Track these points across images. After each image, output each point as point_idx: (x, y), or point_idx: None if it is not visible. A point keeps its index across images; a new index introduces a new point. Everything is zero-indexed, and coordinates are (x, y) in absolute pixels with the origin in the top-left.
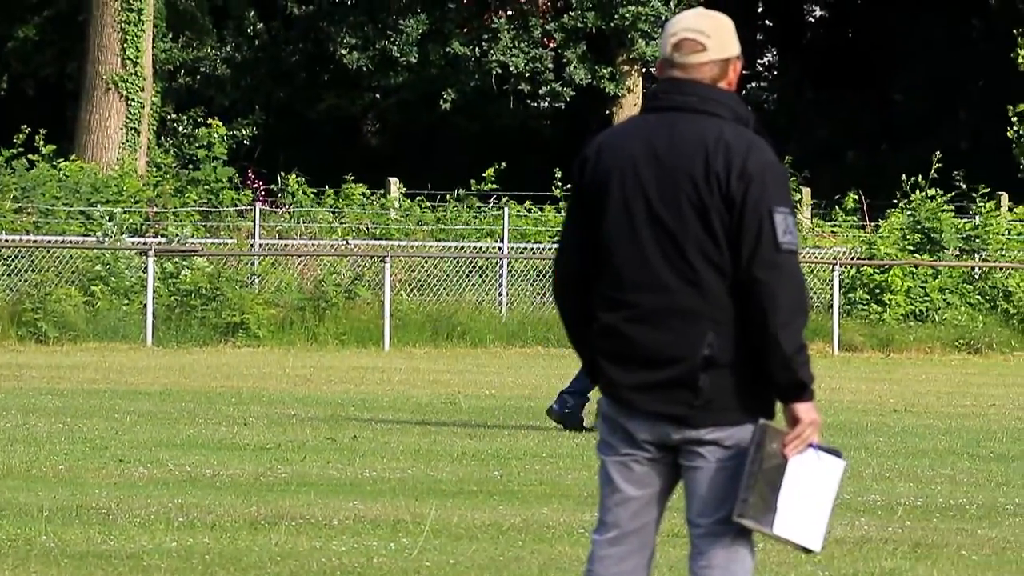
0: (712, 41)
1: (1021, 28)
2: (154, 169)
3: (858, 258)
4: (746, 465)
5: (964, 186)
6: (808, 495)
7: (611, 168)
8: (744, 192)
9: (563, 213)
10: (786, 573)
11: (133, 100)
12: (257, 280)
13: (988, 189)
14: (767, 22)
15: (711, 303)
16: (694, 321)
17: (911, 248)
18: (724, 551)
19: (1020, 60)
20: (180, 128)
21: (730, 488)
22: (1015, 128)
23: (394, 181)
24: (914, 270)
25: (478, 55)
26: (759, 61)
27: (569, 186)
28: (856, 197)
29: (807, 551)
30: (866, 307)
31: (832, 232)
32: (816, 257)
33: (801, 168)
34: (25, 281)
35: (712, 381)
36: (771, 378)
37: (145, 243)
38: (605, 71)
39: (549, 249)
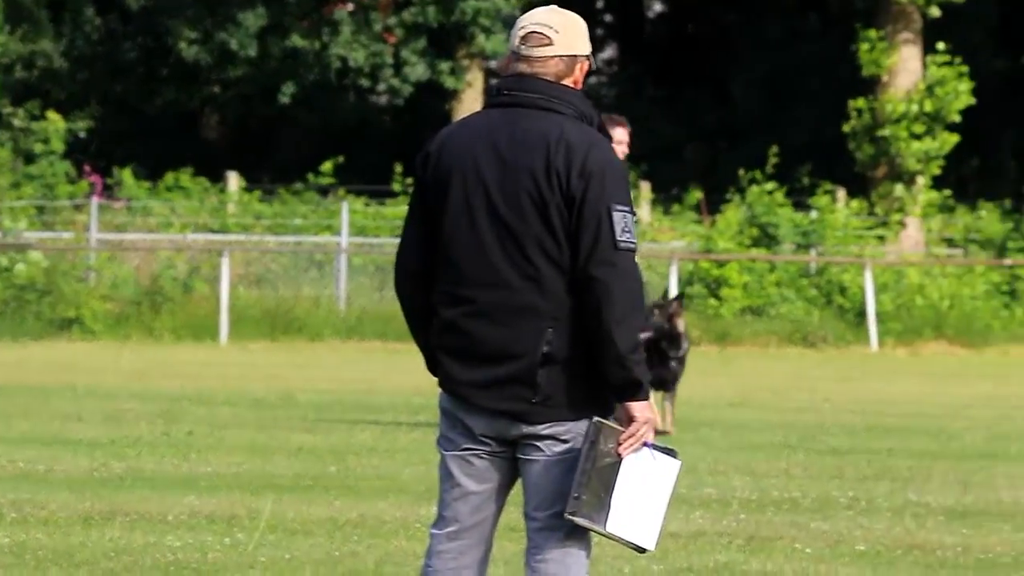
0: (560, 37)
1: (859, 23)
2: None
3: (696, 253)
4: (580, 463)
5: (802, 181)
6: (642, 494)
7: (453, 164)
8: (584, 190)
9: (403, 207)
10: (621, 567)
11: None
12: (93, 274)
13: (825, 184)
14: (607, 18)
15: (550, 300)
16: (534, 318)
17: (748, 243)
18: (560, 545)
19: (860, 55)
20: (16, 122)
21: (567, 482)
22: (852, 124)
23: (233, 175)
24: (751, 264)
25: (318, 49)
26: (600, 57)
27: (410, 181)
28: (695, 192)
29: (640, 550)
30: (703, 301)
31: (671, 227)
32: (655, 252)
33: (641, 163)
34: None
35: (551, 377)
36: (606, 376)
37: None
38: (445, 66)
39: (388, 244)
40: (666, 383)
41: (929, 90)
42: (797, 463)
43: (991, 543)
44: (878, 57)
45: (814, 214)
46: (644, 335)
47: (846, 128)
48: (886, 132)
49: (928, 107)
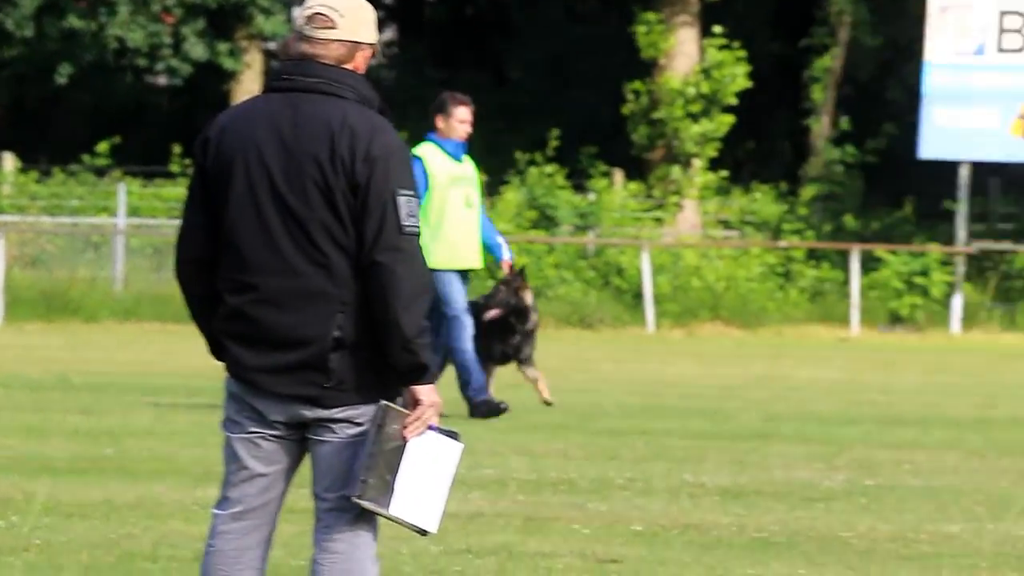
0: (344, 21)
1: (637, 6)
2: None
3: None
4: (366, 446)
5: (581, 163)
6: (426, 477)
7: (235, 151)
8: (369, 175)
9: (181, 189)
10: (398, 548)
11: None
12: None
13: (604, 166)
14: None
15: (339, 285)
16: (323, 303)
17: (527, 225)
18: (349, 526)
19: (638, 37)
20: None
21: (358, 464)
22: (630, 106)
23: (8, 155)
24: (530, 246)
25: (95, 29)
26: (380, 39)
27: (188, 162)
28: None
29: (423, 532)
30: (482, 283)
31: None
32: None
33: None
34: None
35: (342, 362)
36: (392, 360)
37: None
38: (224, 47)
39: (166, 225)
40: (521, 356)
41: (706, 73)
42: (575, 444)
43: (765, 522)
44: (656, 40)
45: (592, 196)
46: (493, 313)
47: (624, 111)
48: (663, 114)
49: (705, 89)
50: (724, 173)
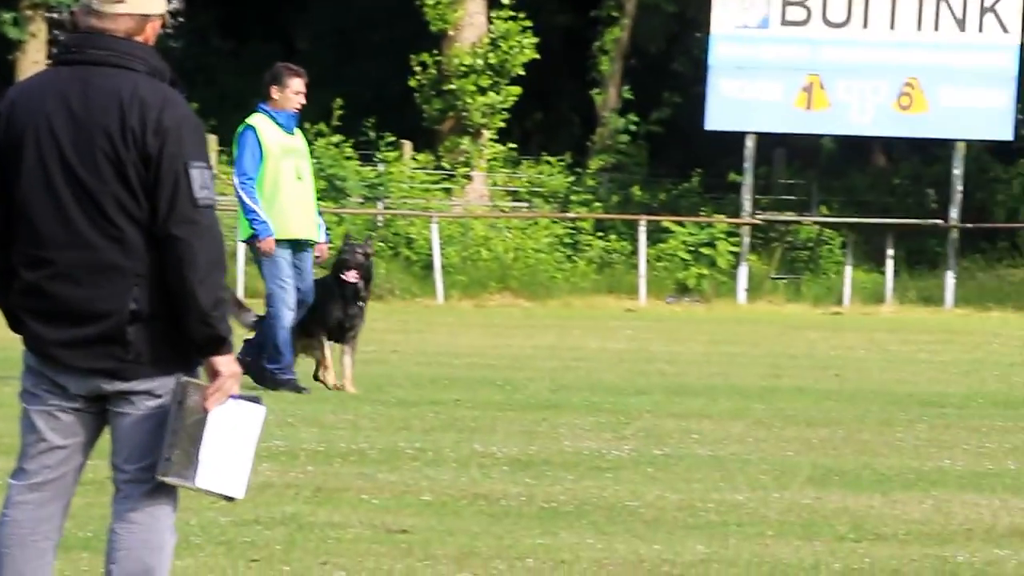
0: None
1: None
2: None
3: None
4: (168, 423)
5: (368, 135)
6: (230, 445)
7: (25, 125)
8: (160, 147)
9: None
10: (187, 519)
11: None
12: None
13: (392, 137)
14: None
15: (134, 258)
16: (118, 276)
17: (316, 195)
18: (148, 496)
19: (426, 9)
20: None
21: (157, 436)
22: (419, 78)
23: None
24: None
25: None
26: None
27: None
28: None
29: (230, 499)
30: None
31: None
32: (223, 205)
33: (209, 117)
34: None
35: (140, 334)
36: (189, 332)
37: None
38: (8, 16)
39: None
40: (353, 332)
41: (494, 44)
42: (364, 415)
43: (554, 492)
44: (444, 12)
45: (381, 167)
46: (353, 275)
47: (412, 82)
48: (452, 86)
49: (493, 60)
50: (512, 145)
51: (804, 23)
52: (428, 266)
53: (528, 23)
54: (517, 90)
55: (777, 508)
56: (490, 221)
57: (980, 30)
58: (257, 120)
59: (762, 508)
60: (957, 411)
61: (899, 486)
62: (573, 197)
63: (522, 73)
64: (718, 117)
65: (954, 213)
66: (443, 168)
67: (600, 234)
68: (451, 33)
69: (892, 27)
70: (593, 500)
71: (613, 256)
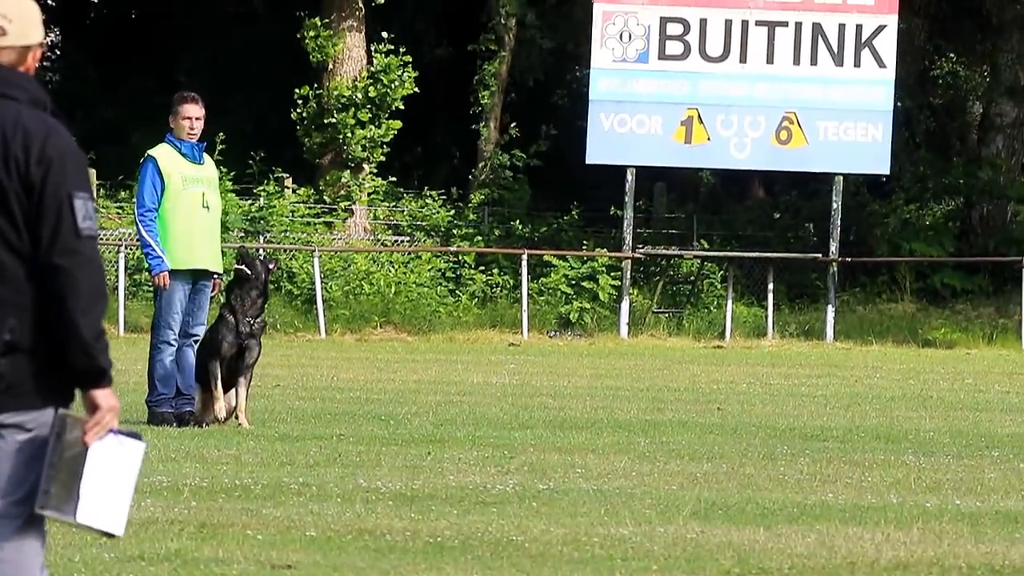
0: (14, 27)
1: (303, 10)
2: None
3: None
4: (47, 456)
5: (250, 168)
6: (110, 480)
7: None
8: (43, 177)
9: None
10: (72, 556)
11: None
12: None
13: (277, 171)
14: (50, 1)
15: (12, 289)
16: None
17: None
18: (17, 532)
19: (307, 42)
20: None
21: (30, 470)
22: (300, 111)
23: None
24: None
25: None
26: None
27: None
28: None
29: (110, 536)
30: (151, 289)
31: (118, 214)
32: (103, 238)
33: (88, 149)
34: None
35: (14, 366)
36: (71, 364)
37: None
38: None
39: None
40: (247, 361)
41: (374, 77)
42: (248, 450)
43: (439, 527)
44: (324, 44)
45: (262, 201)
46: (242, 269)
47: (294, 115)
48: (332, 119)
49: (373, 94)
50: (393, 178)
51: (683, 57)
52: (310, 300)
53: (408, 57)
54: (397, 124)
55: (662, 542)
56: (372, 255)
57: (857, 65)
58: (159, 151)
59: (647, 542)
60: (839, 445)
61: (783, 520)
62: (455, 231)
63: (402, 107)
64: (598, 151)
65: (833, 247)
66: (324, 201)
67: (482, 268)
68: (331, 66)
69: (770, 61)
70: (478, 535)
71: (495, 290)
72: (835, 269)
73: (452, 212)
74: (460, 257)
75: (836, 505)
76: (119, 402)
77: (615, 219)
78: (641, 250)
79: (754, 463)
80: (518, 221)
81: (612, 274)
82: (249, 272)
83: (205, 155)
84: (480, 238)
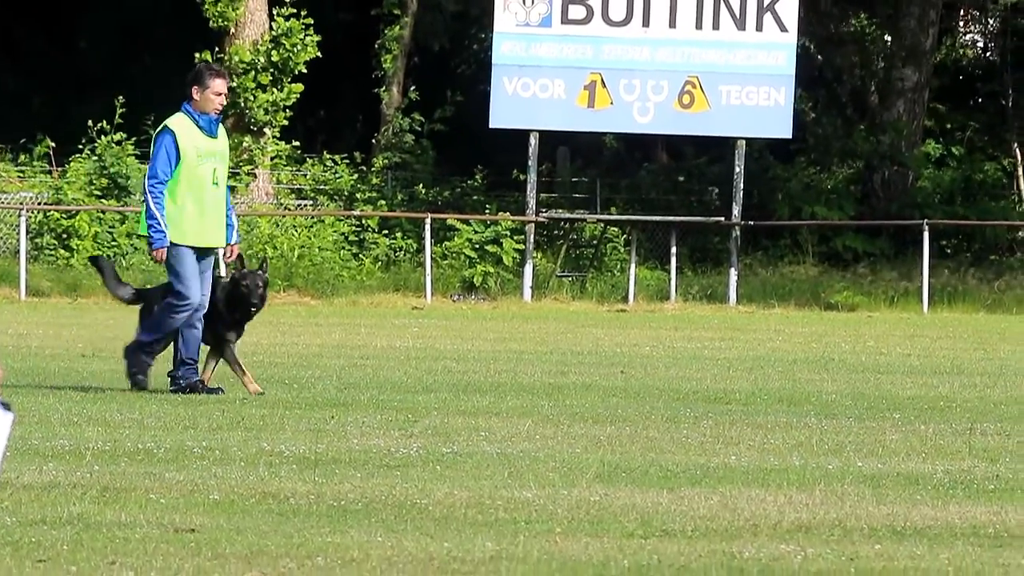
0: None
1: None
2: None
3: (45, 204)
4: None
5: (150, 133)
6: None
7: None
8: None
9: None
10: None
11: None
12: None
13: None
14: None
15: None
16: None
17: (98, 194)
18: None
19: (207, 7)
20: None
21: None
22: None
23: None
24: (101, 215)
25: None
26: None
27: None
28: (45, 143)
29: None
30: (53, 252)
31: (19, 177)
32: (2, 203)
33: None
34: None
35: None
36: None
37: None
38: None
39: None
40: (228, 341)
41: (275, 42)
42: (151, 414)
43: (343, 490)
44: (224, 9)
45: None
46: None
47: None
48: (234, 83)
49: (275, 58)
50: (296, 143)
51: (585, 21)
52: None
53: (310, 21)
54: (300, 88)
55: (566, 505)
56: (275, 219)
57: (759, 29)
58: (176, 122)
59: (551, 505)
60: (742, 407)
61: (686, 482)
62: (358, 195)
63: (305, 71)
64: (502, 115)
65: (736, 211)
66: None
67: (386, 232)
68: (232, 30)
69: (673, 26)
70: (382, 498)
71: (399, 254)
72: (738, 233)
73: (356, 176)
74: (363, 221)
75: (739, 467)
76: (4, 371)
77: (519, 183)
78: (544, 214)
79: (657, 426)
80: (422, 185)
81: (516, 238)
82: (245, 289)
83: (220, 128)
84: (384, 202)
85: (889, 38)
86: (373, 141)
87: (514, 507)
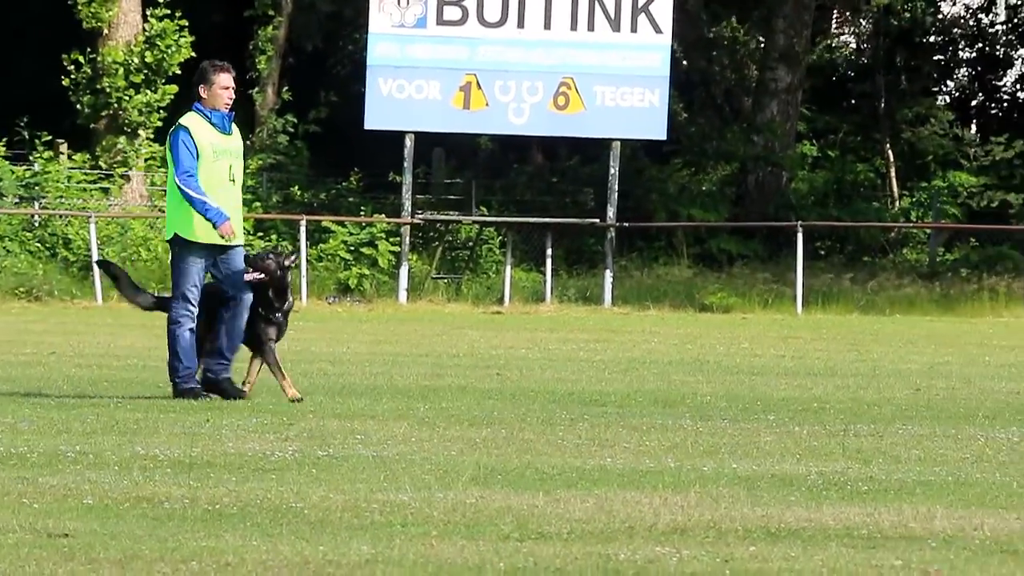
0: None
1: None
2: None
3: None
4: None
5: (22, 135)
6: None
7: None
8: None
9: None
10: None
11: None
12: None
13: (48, 136)
14: None
15: None
16: None
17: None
18: None
19: (79, 8)
20: None
21: None
22: (72, 77)
23: None
24: None
25: None
26: None
27: None
28: None
29: None
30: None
31: None
32: None
33: None
34: None
35: None
36: None
37: None
38: None
39: None
40: (268, 340)
41: (149, 42)
42: (24, 417)
43: (218, 494)
44: (97, 10)
45: (37, 167)
46: (255, 276)
47: (66, 81)
48: (106, 84)
49: (149, 59)
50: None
51: (461, 22)
52: (87, 267)
53: (184, 22)
54: (174, 88)
55: (441, 508)
56: (149, 221)
57: (634, 30)
58: (190, 120)
59: (427, 508)
60: (617, 409)
61: (562, 484)
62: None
63: (179, 72)
64: (377, 116)
65: (611, 212)
66: (100, 168)
67: (261, 234)
68: (105, 31)
69: (547, 27)
70: (257, 502)
71: None
72: (613, 234)
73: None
74: None
75: (614, 469)
76: None
77: (394, 185)
78: (420, 216)
79: (533, 428)
80: (297, 187)
81: (391, 240)
82: (264, 275)
83: (233, 125)
84: (259, 204)
85: (762, 40)
86: (248, 142)
87: (390, 510)
